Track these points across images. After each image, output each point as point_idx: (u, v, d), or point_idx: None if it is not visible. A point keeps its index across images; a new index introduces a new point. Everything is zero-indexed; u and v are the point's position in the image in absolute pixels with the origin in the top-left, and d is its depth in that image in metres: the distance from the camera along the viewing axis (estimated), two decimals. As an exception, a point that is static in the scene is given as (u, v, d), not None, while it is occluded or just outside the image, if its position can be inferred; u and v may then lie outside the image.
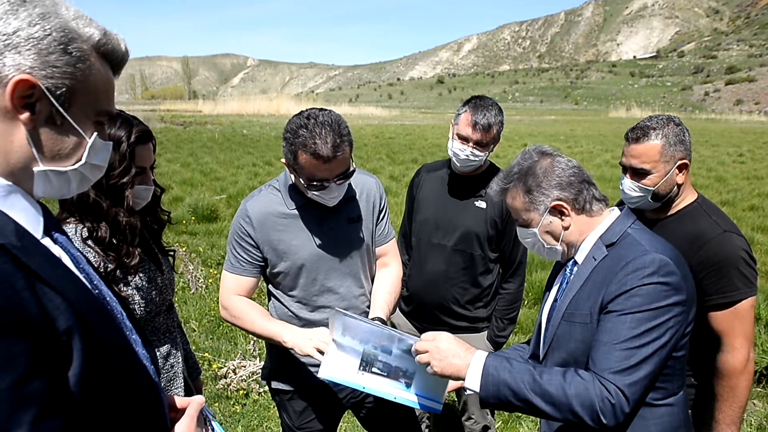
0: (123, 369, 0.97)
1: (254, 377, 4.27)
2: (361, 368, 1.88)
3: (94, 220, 1.75)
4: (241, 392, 4.10)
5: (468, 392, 1.66)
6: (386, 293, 2.30)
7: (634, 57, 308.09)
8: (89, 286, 1.00)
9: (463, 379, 1.62)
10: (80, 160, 0.99)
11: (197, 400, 1.20)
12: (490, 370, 1.58)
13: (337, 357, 1.88)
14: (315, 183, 1.99)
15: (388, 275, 2.38)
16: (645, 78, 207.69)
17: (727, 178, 15.09)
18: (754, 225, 9.34)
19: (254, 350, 4.66)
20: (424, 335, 1.74)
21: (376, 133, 32.19)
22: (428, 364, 1.68)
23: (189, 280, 6.33)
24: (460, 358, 1.63)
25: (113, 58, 1.02)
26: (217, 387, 4.19)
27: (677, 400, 1.62)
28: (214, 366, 4.41)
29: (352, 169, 2.06)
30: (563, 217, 1.68)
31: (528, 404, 1.52)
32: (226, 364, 4.40)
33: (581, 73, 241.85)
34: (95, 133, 1.01)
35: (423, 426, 3.24)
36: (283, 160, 2.07)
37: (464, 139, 2.65)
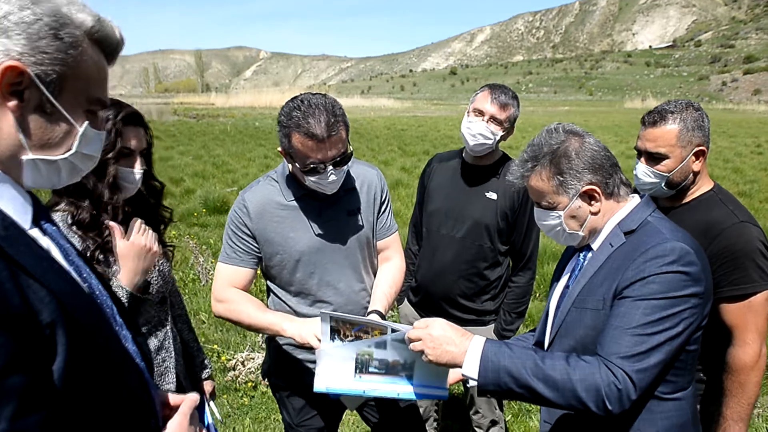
0: (111, 364, 0.94)
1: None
2: (357, 372, 1.81)
3: (80, 199, 1.75)
4: (249, 384, 4.10)
5: (471, 383, 1.61)
6: (386, 286, 2.25)
7: (650, 47, 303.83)
8: (78, 278, 0.97)
9: (461, 367, 1.56)
10: (70, 149, 0.96)
11: (191, 398, 1.17)
12: (490, 356, 1.52)
13: (330, 366, 1.81)
14: (311, 166, 1.93)
15: (390, 269, 2.33)
16: (661, 68, 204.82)
17: (745, 169, 14.85)
18: (772, 216, 9.16)
19: (263, 342, 4.65)
20: (416, 323, 1.68)
21: (388, 124, 32.09)
22: (423, 352, 1.62)
23: (199, 272, 6.34)
24: (456, 344, 1.57)
25: (107, 45, 0.99)
26: (225, 379, 4.19)
27: (686, 395, 1.57)
28: (223, 358, 4.42)
29: (349, 152, 2.01)
30: (593, 202, 1.61)
31: (530, 390, 1.47)
32: (235, 356, 4.41)
33: (596, 63, 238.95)
34: (86, 122, 0.98)
35: (431, 419, 3.21)
36: (280, 149, 2.03)
37: (480, 113, 2.61)
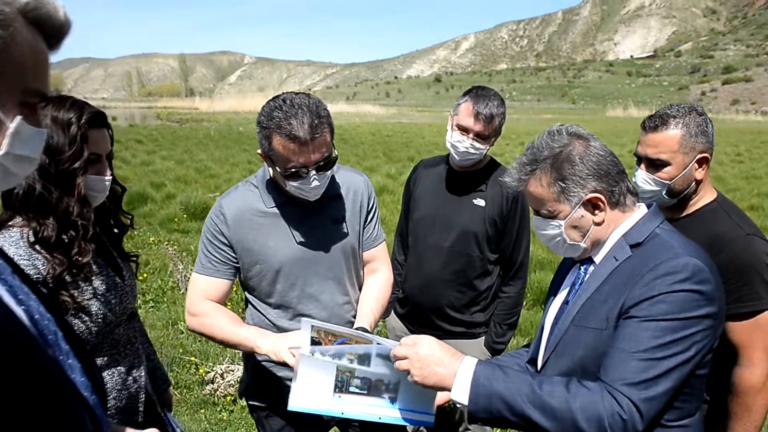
0: (47, 404, 0.80)
1: (243, 382, 4.11)
2: (337, 390, 1.66)
3: (41, 216, 1.57)
4: (228, 398, 3.94)
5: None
6: (373, 301, 2.12)
7: (632, 56, 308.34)
8: (12, 301, 0.84)
9: (449, 390, 1.43)
10: None
11: None
12: (481, 380, 1.39)
13: (307, 382, 1.66)
14: (292, 171, 1.81)
15: (377, 282, 2.20)
16: (642, 77, 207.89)
17: (726, 177, 14.97)
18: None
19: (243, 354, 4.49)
20: (403, 339, 1.55)
21: (373, 131, 32.04)
22: (409, 372, 1.48)
23: (178, 279, 6.16)
24: (444, 366, 1.44)
25: (47, 27, 0.82)
26: (203, 392, 4.02)
27: (693, 421, 1.44)
28: (201, 370, 4.25)
29: (333, 156, 1.89)
30: (597, 212, 1.48)
31: (525, 419, 1.34)
32: (214, 369, 4.24)
33: (578, 72, 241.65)
34: (19, 117, 0.82)
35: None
36: (259, 151, 1.90)
37: (464, 130, 2.48)
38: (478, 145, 2.48)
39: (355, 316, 2.12)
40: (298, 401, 1.66)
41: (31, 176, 1.52)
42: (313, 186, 1.85)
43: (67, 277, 1.58)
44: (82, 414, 0.88)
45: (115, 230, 1.91)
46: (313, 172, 1.83)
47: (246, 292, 2.12)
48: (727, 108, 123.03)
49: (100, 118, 1.68)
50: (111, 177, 1.73)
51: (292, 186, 1.86)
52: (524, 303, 5.67)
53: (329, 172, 1.90)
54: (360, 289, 2.19)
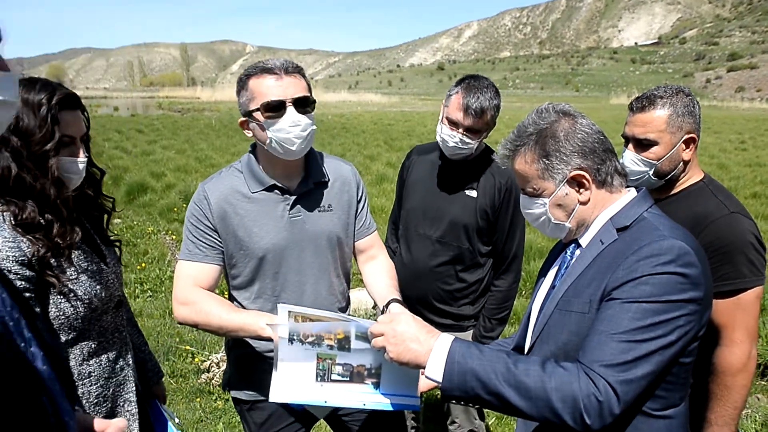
0: (7, 393, 0.78)
1: (239, 371, 4.11)
2: (319, 379, 1.63)
3: (20, 199, 1.56)
4: (224, 387, 3.94)
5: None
6: (388, 278, 2.12)
7: (636, 43, 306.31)
8: None
9: (424, 367, 1.41)
10: None
11: (117, 425, 1.06)
12: (456, 357, 1.36)
13: (287, 372, 1.62)
14: (270, 107, 1.81)
15: (381, 264, 2.17)
16: (646, 65, 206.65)
17: (729, 165, 14.90)
18: (757, 213, 9.17)
19: (240, 342, 4.49)
20: (380, 317, 1.54)
21: (374, 119, 31.94)
22: (386, 349, 1.47)
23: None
24: (420, 342, 1.42)
25: None
26: (199, 381, 4.03)
27: (678, 412, 1.41)
28: (197, 359, 4.25)
29: (312, 98, 1.91)
30: (581, 190, 1.45)
31: (499, 398, 1.31)
32: (210, 358, 4.24)
33: (582, 59, 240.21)
34: None
35: (408, 428, 3.07)
36: (242, 119, 1.92)
37: (454, 124, 2.41)
38: (467, 140, 2.42)
39: (340, 309, 2.09)
40: (280, 393, 1.62)
41: (7, 159, 1.54)
42: (293, 123, 1.81)
43: (51, 260, 1.58)
44: (44, 404, 0.86)
45: (97, 214, 1.88)
46: (291, 106, 1.81)
47: (226, 283, 2.09)
48: (732, 95, 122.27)
49: (73, 99, 1.66)
50: (86, 159, 1.71)
51: (273, 132, 1.82)
52: (523, 291, 5.65)
53: (310, 116, 1.88)
54: (346, 281, 2.16)
